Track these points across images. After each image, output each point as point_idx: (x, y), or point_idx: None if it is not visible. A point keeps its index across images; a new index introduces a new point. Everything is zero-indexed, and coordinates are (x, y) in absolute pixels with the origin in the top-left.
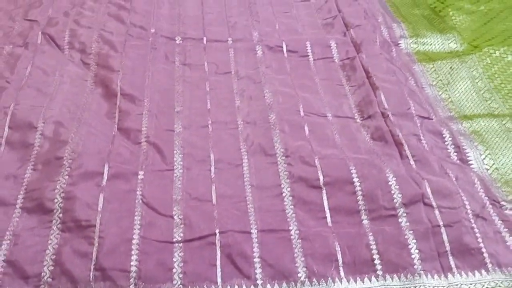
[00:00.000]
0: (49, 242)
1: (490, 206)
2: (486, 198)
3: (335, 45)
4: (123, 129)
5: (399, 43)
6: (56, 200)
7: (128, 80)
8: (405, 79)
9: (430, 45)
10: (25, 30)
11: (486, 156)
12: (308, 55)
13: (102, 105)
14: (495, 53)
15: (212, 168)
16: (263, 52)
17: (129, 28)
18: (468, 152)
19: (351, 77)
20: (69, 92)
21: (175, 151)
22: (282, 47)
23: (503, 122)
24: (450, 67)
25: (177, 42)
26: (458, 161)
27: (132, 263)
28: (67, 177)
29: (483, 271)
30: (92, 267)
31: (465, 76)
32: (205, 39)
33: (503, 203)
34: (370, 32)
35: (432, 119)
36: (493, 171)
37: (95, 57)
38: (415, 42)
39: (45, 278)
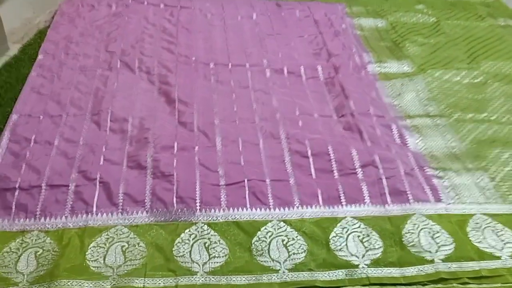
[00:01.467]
0: (146, 183)
1: (417, 169)
2: (415, 164)
3: (321, 68)
4: (182, 122)
5: (367, 67)
6: (147, 162)
7: (182, 92)
8: (369, 91)
9: (389, 68)
10: (107, 58)
11: (420, 140)
12: (301, 75)
13: (166, 108)
14: (435, 73)
15: (240, 146)
16: (270, 73)
17: (178, 57)
18: (407, 138)
19: (331, 90)
20: (144, 99)
21: (216, 136)
22: (283, 69)
23: (435, 120)
24: (402, 84)
25: (211, 66)
26: (400, 143)
27: (197, 195)
28: (153, 149)
29: (406, 203)
30: (174, 196)
31: (412, 90)
32: (230, 64)
33: (425, 167)
34: (345, 59)
35: (385, 117)
36: (423, 149)
37: (158, 77)
38: (378, 66)
39: (147, 202)
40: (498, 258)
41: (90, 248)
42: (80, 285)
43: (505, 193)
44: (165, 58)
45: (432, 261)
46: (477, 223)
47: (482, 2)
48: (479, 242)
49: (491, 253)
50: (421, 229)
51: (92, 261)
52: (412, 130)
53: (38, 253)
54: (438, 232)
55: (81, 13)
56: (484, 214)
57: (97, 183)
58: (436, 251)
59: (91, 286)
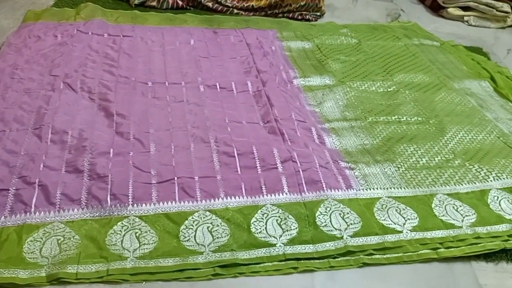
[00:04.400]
0: (83, 184)
1: (332, 162)
2: (331, 159)
3: (250, 83)
4: (119, 132)
5: (293, 81)
6: (84, 166)
7: (120, 107)
8: (293, 102)
9: (312, 82)
10: (51, 81)
11: (336, 140)
12: (233, 90)
13: (104, 121)
14: (353, 85)
15: (173, 150)
16: (204, 89)
17: (118, 78)
18: (325, 138)
19: (258, 101)
20: (84, 114)
21: (150, 143)
22: (216, 85)
23: (351, 123)
24: (323, 94)
25: (149, 85)
26: (318, 142)
27: (129, 192)
28: (90, 155)
29: (321, 190)
30: (109, 194)
31: (331, 99)
32: (167, 82)
33: (339, 161)
34: (272, 75)
35: (306, 122)
36: (339, 147)
37: (98, 95)
38: (303, 80)
39: (83, 201)
40: (400, 232)
41: (27, 242)
42: (15, 273)
43: (409, 179)
44: (106, 79)
45: (341, 238)
46: (382, 204)
47: (401, 26)
48: (383, 220)
49: (394, 228)
50: (333, 211)
51: (28, 253)
52: (330, 131)
53: None
54: (348, 213)
55: (28, 43)
56: (389, 197)
57: (36, 186)
58: (345, 229)
59: (26, 274)
